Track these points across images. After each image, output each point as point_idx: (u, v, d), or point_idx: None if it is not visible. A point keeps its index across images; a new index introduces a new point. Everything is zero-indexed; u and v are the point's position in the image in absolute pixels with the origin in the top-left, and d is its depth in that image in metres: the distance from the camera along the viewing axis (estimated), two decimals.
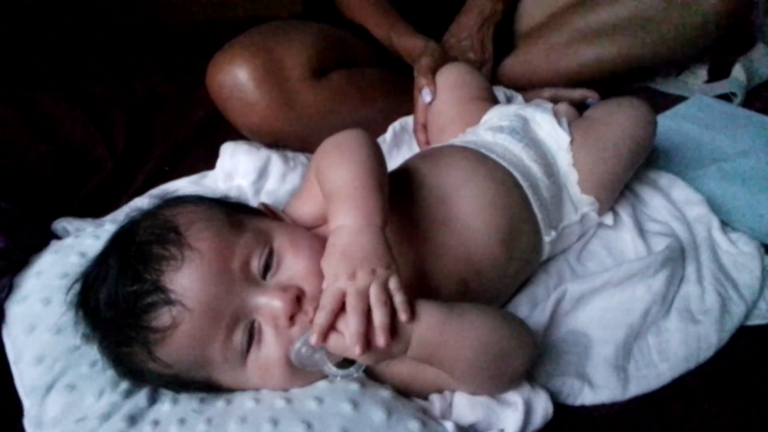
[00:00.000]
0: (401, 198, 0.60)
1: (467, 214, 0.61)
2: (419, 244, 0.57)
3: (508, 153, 0.69)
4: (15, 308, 0.61)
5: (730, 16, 0.97)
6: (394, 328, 0.45)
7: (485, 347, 0.48)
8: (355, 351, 0.44)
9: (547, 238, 0.68)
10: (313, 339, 0.45)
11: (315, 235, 0.56)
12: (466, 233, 0.60)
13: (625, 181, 0.77)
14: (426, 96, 0.84)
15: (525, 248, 0.65)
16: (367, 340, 0.44)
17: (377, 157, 0.55)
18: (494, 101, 0.82)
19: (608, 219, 0.75)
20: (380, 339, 0.44)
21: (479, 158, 0.67)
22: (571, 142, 0.72)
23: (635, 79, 1.09)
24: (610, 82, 1.02)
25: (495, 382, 0.51)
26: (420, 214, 0.59)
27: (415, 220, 0.59)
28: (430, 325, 0.46)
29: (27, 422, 0.54)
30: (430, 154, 0.69)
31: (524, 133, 0.72)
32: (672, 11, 0.95)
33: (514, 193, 0.65)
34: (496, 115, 0.76)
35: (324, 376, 0.51)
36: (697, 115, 1.00)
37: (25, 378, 0.56)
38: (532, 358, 0.53)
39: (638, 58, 0.99)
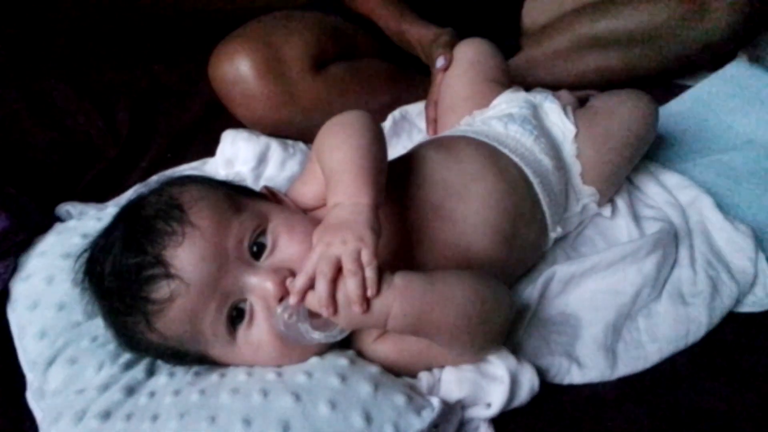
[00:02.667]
0: (406, 186, 0.61)
1: (471, 212, 0.61)
2: (417, 236, 0.58)
3: (520, 147, 0.69)
4: (19, 286, 0.63)
5: (735, 38, 0.96)
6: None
7: (467, 311, 0.49)
8: (323, 311, 0.46)
9: (553, 234, 0.69)
10: (292, 299, 0.47)
11: (313, 218, 0.57)
12: (467, 231, 0.60)
13: (627, 173, 0.78)
14: (439, 61, 0.84)
15: (528, 246, 0.66)
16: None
17: (375, 138, 0.56)
18: (509, 84, 0.82)
19: (606, 211, 0.75)
20: (354, 307, 0.45)
21: (492, 154, 0.66)
22: (577, 134, 0.72)
23: None
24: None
25: (479, 342, 0.52)
26: (423, 205, 0.60)
27: (416, 211, 0.59)
28: (411, 297, 0.47)
29: (29, 394, 0.56)
30: (443, 143, 0.69)
31: (535, 121, 0.72)
32: (679, 28, 0.94)
33: (524, 192, 0.65)
34: (505, 101, 0.76)
35: (314, 353, 0.52)
36: (710, 97, 0.99)
37: (28, 352, 0.58)
38: (510, 313, 0.54)
39: (642, 69, 0.98)
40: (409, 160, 0.65)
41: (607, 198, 0.76)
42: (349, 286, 0.45)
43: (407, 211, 0.59)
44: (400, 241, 0.57)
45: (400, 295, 0.47)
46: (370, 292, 0.46)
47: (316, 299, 0.46)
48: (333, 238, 0.47)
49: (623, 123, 0.74)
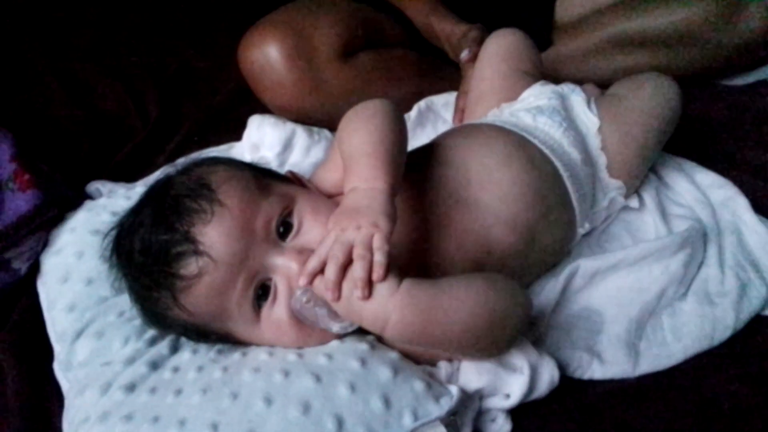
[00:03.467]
0: (428, 174, 0.61)
1: (494, 200, 0.60)
2: (438, 224, 0.58)
3: (549, 139, 0.68)
4: (50, 260, 0.65)
5: None
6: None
7: (474, 325, 0.47)
8: (328, 295, 0.46)
9: (581, 230, 0.68)
10: (302, 280, 0.47)
11: (335, 203, 0.57)
12: (488, 219, 0.59)
13: (653, 160, 0.76)
14: (464, 53, 0.84)
15: (553, 241, 0.65)
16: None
17: (395, 125, 0.56)
18: (540, 77, 0.80)
19: (634, 202, 0.74)
20: (356, 291, 0.44)
21: (520, 143, 0.65)
22: (600, 125, 0.71)
23: None
24: None
25: (490, 349, 0.51)
26: (444, 193, 0.59)
27: (437, 199, 0.59)
28: (413, 306, 0.45)
29: (57, 365, 0.58)
30: (468, 131, 0.69)
31: (564, 112, 0.71)
32: (715, 29, 0.92)
33: (553, 185, 0.64)
34: (533, 94, 0.75)
35: (334, 337, 0.53)
36: None
37: (56, 324, 0.60)
38: (526, 317, 0.51)
39: (676, 70, 0.94)
40: (432, 148, 0.65)
41: (634, 189, 0.74)
42: (356, 268, 0.45)
43: (428, 199, 0.59)
44: (420, 230, 0.57)
45: (401, 302, 0.45)
46: (375, 276, 0.44)
47: (324, 282, 0.46)
48: (348, 223, 0.47)
49: (645, 107, 0.73)
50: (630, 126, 0.72)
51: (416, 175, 0.59)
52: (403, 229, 0.53)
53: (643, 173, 0.75)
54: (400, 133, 0.56)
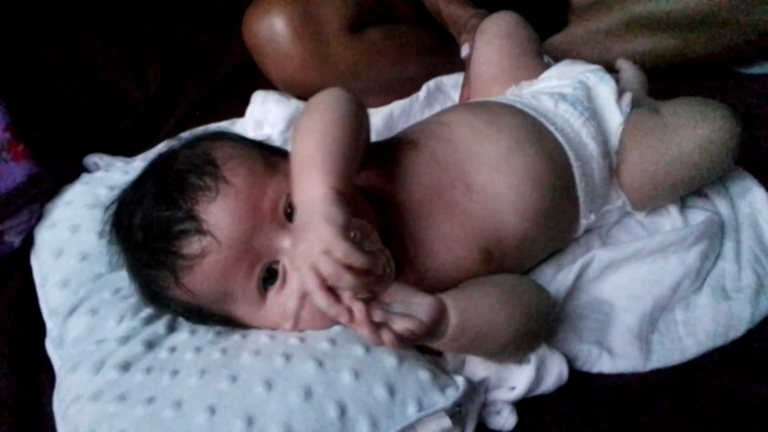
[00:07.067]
0: (431, 153, 0.57)
1: (504, 187, 0.57)
2: (444, 206, 0.56)
3: (567, 127, 0.64)
4: (44, 234, 0.63)
5: None
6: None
7: (515, 328, 0.49)
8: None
9: (585, 221, 0.65)
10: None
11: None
12: (498, 206, 0.57)
13: (674, 198, 0.68)
14: (464, 49, 0.81)
15: (559, 228, 0.63)
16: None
17: (345, 119, 0.51)
18: (542, 55, 0.78)
19: (640, 216, 0.69)
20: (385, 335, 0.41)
21: (537, 129, 0.62)
22: (623, 130, 0.65)
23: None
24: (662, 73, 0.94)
25: (519, 353, 0.52)
26: (451, 175, 0.57)
27: (443, 181, 0.56)
28: (458, 329, 0.46)
29: (49, 342, 0.56)
30: (487, 109, 0.64)
31: (588, 103, 0.66)
32: (739, 13, 0.89)
33: (562, 173, 0.61)
34: (556, 75, 0.71)
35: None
36: None
37: (49, 300, 0.58)
38: (551, 315, 0.53)
39: (696, 55, 0.93)
40: (437, 126, 0.62)
41: (644, 208, 0.69)
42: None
43: (431, 181, 0.56)
44: (423, 214, 0.55)
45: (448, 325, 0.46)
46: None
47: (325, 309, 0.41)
48: (304, 249, 0.42)
49: (685, 150, 0.63)
50: (658, 157, 0.63)
51: (416, 154, 0.56)
52: (403, 212, 0.53)
53: (656, 202, 0.68)
54: (345, 129, 0.50)
